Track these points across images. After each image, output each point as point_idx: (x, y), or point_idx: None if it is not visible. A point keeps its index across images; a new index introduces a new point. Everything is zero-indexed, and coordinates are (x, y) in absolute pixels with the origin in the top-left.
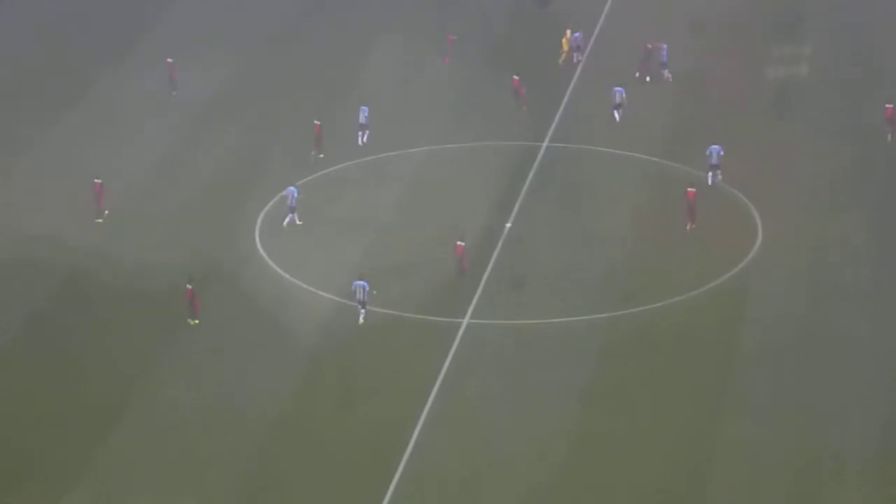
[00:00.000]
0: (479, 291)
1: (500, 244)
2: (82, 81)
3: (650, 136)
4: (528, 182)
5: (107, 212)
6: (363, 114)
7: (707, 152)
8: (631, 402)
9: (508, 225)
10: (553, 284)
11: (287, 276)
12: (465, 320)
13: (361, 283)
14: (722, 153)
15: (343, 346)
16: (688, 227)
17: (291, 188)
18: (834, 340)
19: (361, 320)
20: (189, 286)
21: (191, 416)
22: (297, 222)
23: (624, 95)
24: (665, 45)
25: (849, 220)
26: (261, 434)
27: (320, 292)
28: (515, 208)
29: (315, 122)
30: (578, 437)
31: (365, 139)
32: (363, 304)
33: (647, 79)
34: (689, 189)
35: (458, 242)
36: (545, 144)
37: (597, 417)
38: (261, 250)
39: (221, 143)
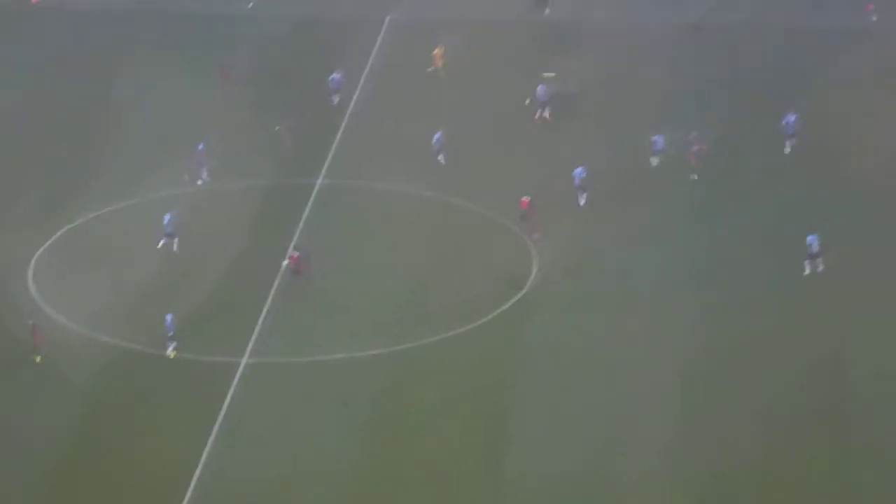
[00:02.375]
0: (257, 329)
1: (276, 281)
2: None
3: (430, 171)
4: (304, 218)
5: None
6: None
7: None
8: (415, 433)
9: (285, 262)
10: (333, 320)
11: (61, 317)
12: (244, 358)
13: (169, 316)
14: (584, 175)
15: (117, 387)
16: (534, 235)
17: (168, 214)
18: (610, 364)
19: (172, 354)
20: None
21: None
22: (174, 249)
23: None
24: (542, 86)
25: (621, 246)
26: (41, 473)
27: (96, 333)
28: (291, 245)
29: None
30: (362, 470)
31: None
32: (172, 339)
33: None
34: (523, 199)
35: (292, 254)
36: (319, 181)
37: (380, 450)
38: (31, 288)
39: None
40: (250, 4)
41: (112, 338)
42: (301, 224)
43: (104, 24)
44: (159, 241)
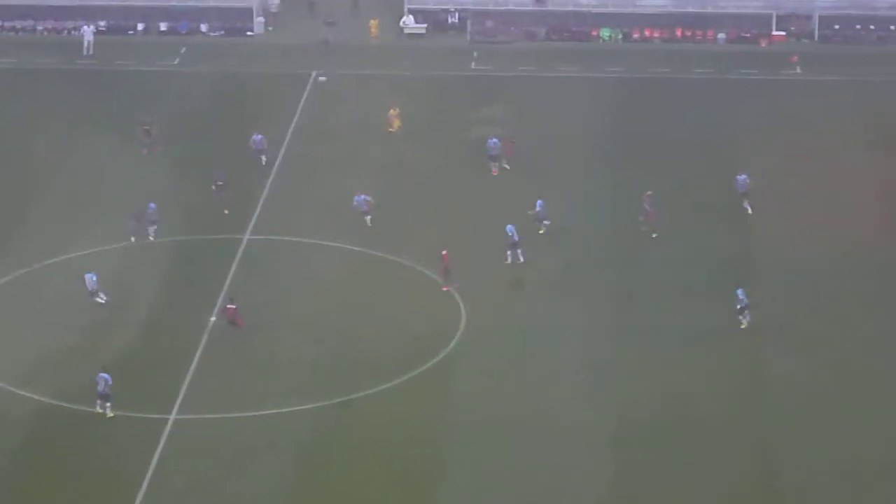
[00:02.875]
0: (185, 385)
1: (205, 337)
2: None
3: (354, 226)
4: (230, 274)
5: None
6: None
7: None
8: (342, 488)
9: (213, 318)
10: (261, 375)
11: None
12: (172, 415)
13: (104, 375)
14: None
15: (44, 445)
16: (444, 289)
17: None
18: (541, 420)
19: (109, 413)
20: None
21: None
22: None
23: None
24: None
25: (550, 300)
26: None
27: (23, 392)
28: (219, 301)
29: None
30: None
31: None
32: (107, 398)
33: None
34: (443, 252)
35: (229, 306)
36: (247, 237)
37: None
38: None
39: None
40: (176, 61)
41: (39, 395)
42: (228, 280)
43: (29, 82)
44: (93, 299)
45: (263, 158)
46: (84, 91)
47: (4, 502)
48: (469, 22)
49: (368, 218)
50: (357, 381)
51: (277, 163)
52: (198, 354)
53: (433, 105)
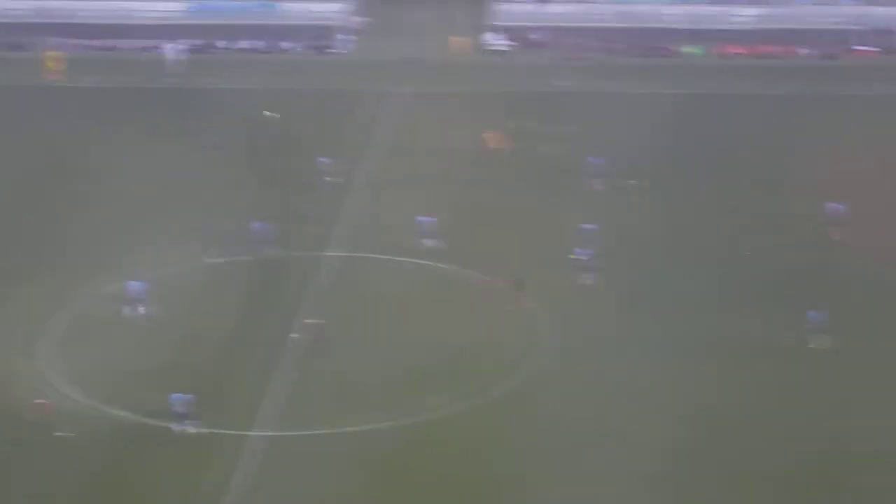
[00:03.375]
0: (265, 402)
1: (287, 354)
2: None
3: (427, 242)
4: (310, 292)
5: None
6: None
7: None
8: None
9: (294, 335)
10: (340, 392)
11: (74, 391)
12: (253, 432)
13: (180, 396)
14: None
15: (127, 458)
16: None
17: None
18: (618, 442)
19: (191, 430)
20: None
21: None
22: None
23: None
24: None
25: (628, 317)
26: None
27: (110, 408)
28: (299, 318)
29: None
30: None
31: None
32: (186, 417)
33: None
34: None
35: (307, 321)
36: (328, 254)
37: None
38: (54, 367)
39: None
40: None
41: (123, 412)
42: (311, 297)
43: (110, 100)
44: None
45: (329, 178)
46: (167, 109)
47: None
48: (552, 38)
49: (430, 241)
50: (436, 398)
51: (355, 178)
52: (279, 371)
53: (514, 120)
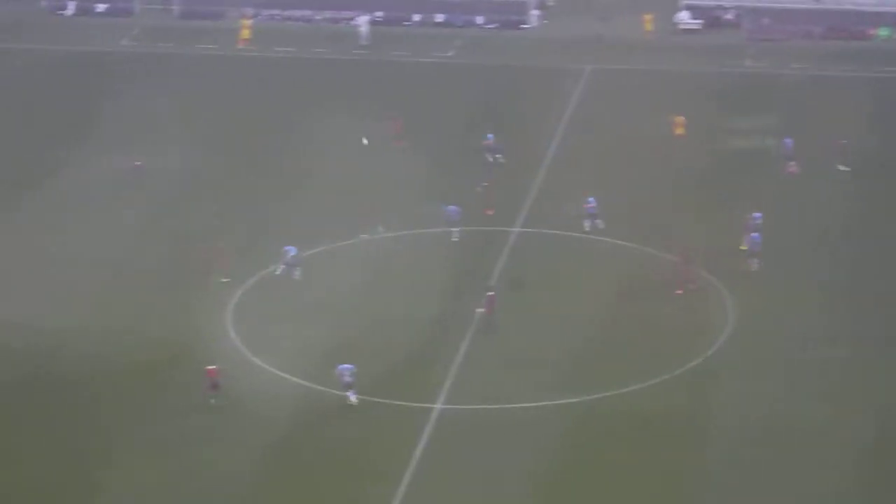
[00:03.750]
0: (450, 375)
1: (471, 329)
2: (48, 162)
3: (621, 221)
4: (498, 267)
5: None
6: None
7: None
8: (599, 487)
9: (480, 310)
10: (524, 369)
11: (257, 360)
12: (437, 405)
13: (348, 367)
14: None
15: (311, 429)
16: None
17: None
18: (803, 427)
19: (354, 401)
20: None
21: (159, 498)
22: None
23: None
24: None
25: (819, 303)
26: None
27: (290, 377)
28: (487, 293)
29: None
30: None
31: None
32: (351, 387)
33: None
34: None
35: (489, 293)
36: (515, 230)
37: (562, 499)
38: (232, 334)
39: (192, 226)
40: (450, 53)
41: (310, 381)
42: (496, 272)
43: (297, 69)
44: (278, 269)
45: (496, 157)
46: (358, 81)
47: (271, 483)
48: (744, 19)
49: (589, 223)
50: (618, 376)
51: (549, 157)
52: (464, 345)
53: (704, 101)
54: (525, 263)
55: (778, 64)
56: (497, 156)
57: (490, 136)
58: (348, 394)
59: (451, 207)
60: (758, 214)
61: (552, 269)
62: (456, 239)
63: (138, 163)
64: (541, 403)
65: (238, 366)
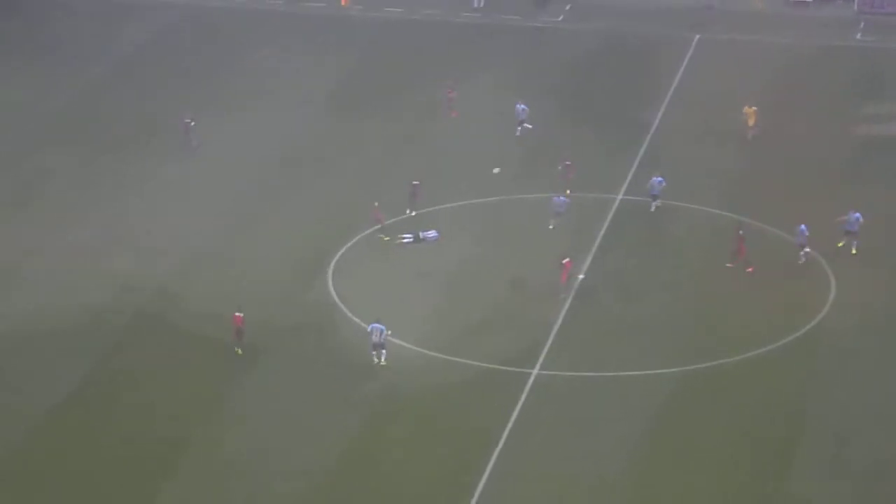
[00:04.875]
0: (549, 342)
1: (571, 296)
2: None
3: (726, 192)
4: (601, 234)
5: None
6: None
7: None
8: (697, 457)
9: (581, 276)
10: (624, 337)
11: (358, 321)
12: (535, 371)
13: (379, 326)
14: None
15: (409, 392)
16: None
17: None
18: None
19: (383, 362)
20: (239, 314)
21: (252, 461)
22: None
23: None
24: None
25: None
26: (323, 481)
27: (396, 340)
28: (588, 260)
29: (413, 182)
30: (642, 493)
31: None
32: (382, 346)
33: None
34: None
35: (564, 261)
36: (619, 197)
37: (663, 473)
38: (333, 295)
39: (295, 192)
40: (560, 17)
41: (410, 344)
42: (597, 242)
43: (413, 32)
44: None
45: (519, 129)
46: (468, 45)
47: (364, 445)
48: None
49: (655, 204)
50: (718, 348)
51: (652, 131)
52: (563, 312)
53: (813, 74)
54: (625, 231)
55: (889, 38)
56: (525, 125)
57: (522, 105)
58: (373, 353)
59: (560, 199)
60: (857, 215)
61: (657, 239)
62: (552, 227)
63: (188, 120)
64: (640, 372)
65: (340, 324)
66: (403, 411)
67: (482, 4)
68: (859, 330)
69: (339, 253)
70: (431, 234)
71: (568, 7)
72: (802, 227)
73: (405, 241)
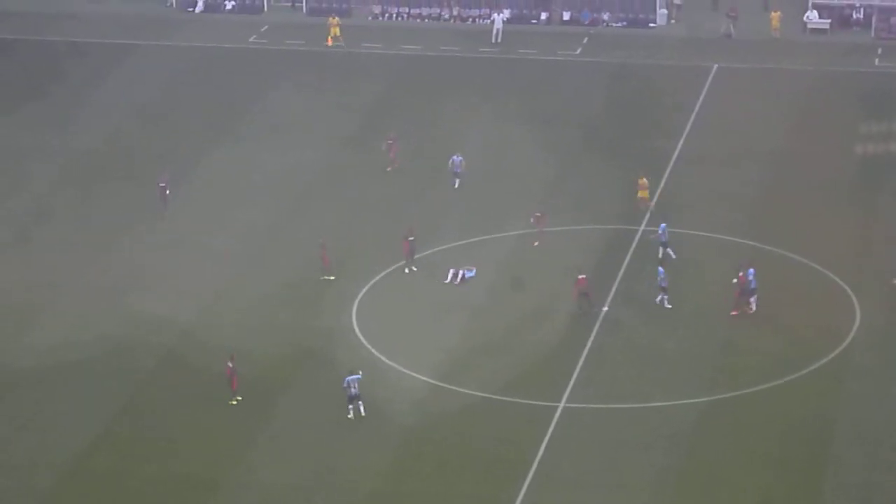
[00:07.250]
0: (575, 374)
1: (596, 327)
2: (184, 160)
3: (744, 219)
4: (624, 265)
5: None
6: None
7: None
8: (726, 486)
9: (605, 308)
10: (649, 367)
11: (381, 356)
12: (562, 403)
13: (355, 376)
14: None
15: (437, 428)
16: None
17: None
18: None
19: (362, 413)
20: (230, 364)
21: (284, 495)
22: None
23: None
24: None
25: None
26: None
27: (413, 373)
28: (612, 291)
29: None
30: None
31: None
32: (357, 398)
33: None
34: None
35: (580, 276)
36: (642, 228)
37: (692, 502)
38: (356, 330)
39: (318, 223)
40: (578, 51)
41: (428, 377)
42: (621, 272)
43: (433, 68)
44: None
45: (457, 182)
46: (487, 79)
47: (393, 478)
48: (874, 18)
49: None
50: (744, 376)
51: (675, 155)
52: (589, 343)
53: (832, 99)
54: (648, 262)
55: None
56: (457, 179)
57: (457, 157)
58: (350, 407)
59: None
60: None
61: (680, 268)
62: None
63: (162, 184)
64: (667, 403)
65: (365, 363)
66: (431, 447)
67: (500, 39)
68: (885, 356)
69: (364, 290)
70: (471, 272)
71: (585, 40)
72: (751, 270)
73: (468, 275)
